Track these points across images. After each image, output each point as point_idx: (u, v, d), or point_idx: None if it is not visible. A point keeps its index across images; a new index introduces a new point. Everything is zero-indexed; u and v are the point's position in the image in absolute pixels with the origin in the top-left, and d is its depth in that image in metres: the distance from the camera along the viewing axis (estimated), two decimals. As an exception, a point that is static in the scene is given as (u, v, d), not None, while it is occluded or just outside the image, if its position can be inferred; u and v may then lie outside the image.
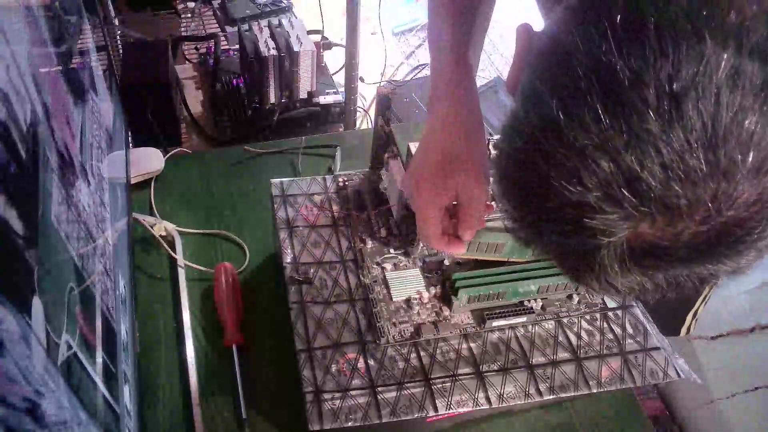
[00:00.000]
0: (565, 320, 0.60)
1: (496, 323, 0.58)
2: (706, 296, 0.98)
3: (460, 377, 0.55)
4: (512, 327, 0.59)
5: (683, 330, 1.01)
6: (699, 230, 0.27)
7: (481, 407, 0.54)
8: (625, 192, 0.26)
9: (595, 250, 0.29)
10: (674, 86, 0.25)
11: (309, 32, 1.27)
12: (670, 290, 0.31)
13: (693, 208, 0.26)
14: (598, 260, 0.30)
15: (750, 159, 0.25)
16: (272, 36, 1.18)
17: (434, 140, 0.53)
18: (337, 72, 1.43)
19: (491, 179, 0.35)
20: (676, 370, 0.58)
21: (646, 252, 0.28)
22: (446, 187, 0.51)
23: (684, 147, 0.25)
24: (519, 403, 0.55)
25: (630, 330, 0.60)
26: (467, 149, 0.52)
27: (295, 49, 1.15)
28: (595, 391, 0.56)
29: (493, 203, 0.55)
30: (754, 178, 0.25)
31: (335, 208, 0.67)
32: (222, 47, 1.36)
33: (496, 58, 2.29)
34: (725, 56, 0.24)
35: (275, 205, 0.67)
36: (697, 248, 0.27)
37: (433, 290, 0.60)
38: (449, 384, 0.55)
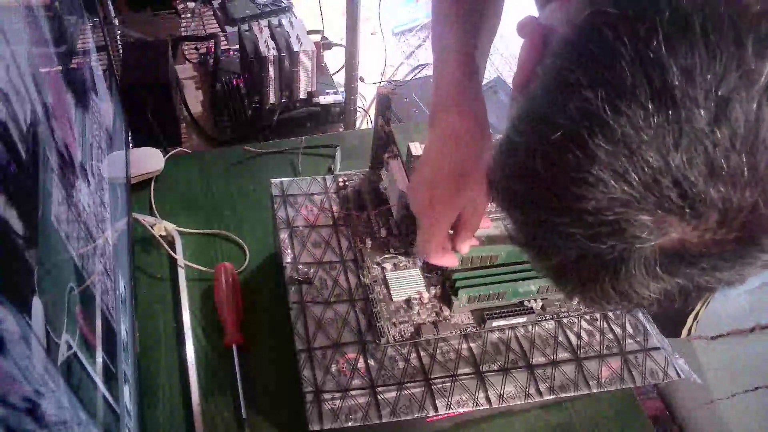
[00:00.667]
0: (565, 320, 0.60)
1: (496, 323, 0.58)
2: (707, 298, 0.98)
3: (460, 377, 0.55)
4: (512, 327, 0.59)
5: (684, 332, 1.01)
6: (735, 236, 0.26)
7: (481, 407, 0.54)
8: (672, 193, 0.25)
9: (624, 256, 0.28)
10: (722, 88, 0.24)
11: (309, 32, 1.27)
12: (680, 299, 0.30)
13: (736, 212, 0.25)
14: (625, 267, 0.28)
15: None
16: (272, 36, 1.18)
17: (443, 153, 0.52)
18: (337, 72, 1.43)
19: (495, 183, 0.34)
20: (676, 370, 0.58)
21: (678, 257, 0.27)
22: (458, 202, 0.52)
23: (729, 148, 0.24)
24: (519, 403, 0.55)
25: (630, 330, 0.60)
26: (478, 163, 0.52)
27: (295, 49, 1.15)
28: (595, 391, 0.56)
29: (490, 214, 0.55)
30: None
31: (335, 208, 0.67)
32: (222, 47, 1.36)
33: (496, 58, 2.29)
34: (767, 66, 0.24)
35: (275, 205, 0.67)
36: (725, 256, 0.27)
37: (433, 290, 0.60)
38: (449, 384, 0.55)
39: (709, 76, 0.25)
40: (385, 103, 0.63)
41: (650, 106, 0.25)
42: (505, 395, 0.55)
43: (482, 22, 0.56)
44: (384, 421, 0.52)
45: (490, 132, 0.54)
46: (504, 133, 0.33)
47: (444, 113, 0.54)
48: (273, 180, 0.69)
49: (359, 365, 0.55)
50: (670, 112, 0.25)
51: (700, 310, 1.00)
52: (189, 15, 1.50)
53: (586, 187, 0.27)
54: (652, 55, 0.25)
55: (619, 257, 0.28)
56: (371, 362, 0.55)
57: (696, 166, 0.25)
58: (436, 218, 0.53)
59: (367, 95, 1.64)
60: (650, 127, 0.25)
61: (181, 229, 0.81)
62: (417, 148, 0.63)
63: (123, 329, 0.57)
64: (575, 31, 0.30)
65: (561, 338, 0.59)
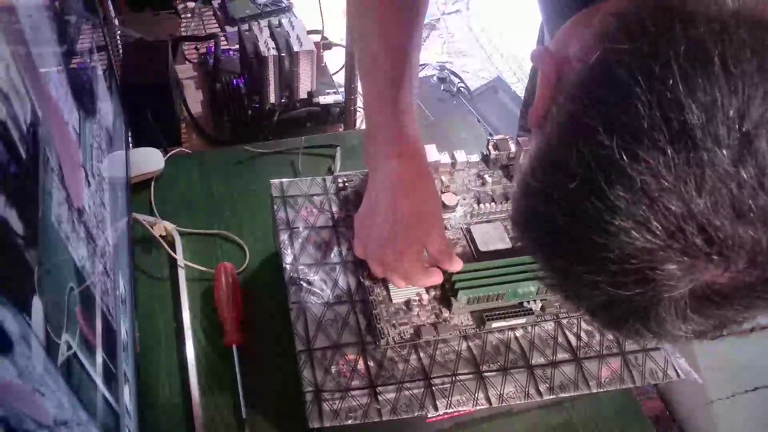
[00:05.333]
0: (564, 321, 0.60)
1: (495, 324, 0.57)
2: None
3: (459, 378, 0.55)
4: (512, 328, 0.59)
5: (684, 336, 1.01)
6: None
7: (481, 407, 0.54)
8: (698, 239, 0.24)
9: (652, 302, 0.27)
10: (745, 123, 0.23)
11: (309, 32, 1.27)
12: (715, 334, 0.30)
13: (767, 253, 0.24)
14: (655, 312, 0.27)
15: None
16: (272, 36, 1.18)
17: (395, 205, 0.53)
18: (337, 72, 1.43)
19: (518, 226, 0.33)
20: (676, 370, 0.58)
21: (708, 300, 0.26)
22: (424, 244, 0.55)
23: (756, 187, 0.23)
24: (519, 403, 0.55)
25: (630, 330, 0.60)
26: (431, 202, 0.55)
27: (295, 49, 1.15)
28: (594, 391, 0.56)
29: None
30: None
31: (335, 209, 0.67)
32: (222, 47, 1.36)
33: (496, 58, 2.29)
34: None
35: (275, 206, 0.67)
36: (759, 295, 0.26)
37: (432, 292, 0.60)
38: (449, 384, 0.55)
39: (731, 112, 0.23)
40: (385, 104, 0.63)
41: (669, 151, 0.24)
42: (504, 395, 0.55)
43: (410, 20, 0.54)
44: (384, 419, 0.52)
45: (431, 172, 0.56)
46: (522, 172, 0.32)
47: (384, 161, 0.54)
48: (273, 181, 0.69)
49: (359, 366, 0.55)
50: (690, 154, 0.24)
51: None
52: (189, 15, 1.50)
53: (607, 236, 0.26)
54: (668, 95, 0.24)
55: (648, 302, 0.27)
56: (371, 363, 0.55)
57: (721, 209, 0.24)
58: (408, 269, 0.54)
59: (367, 95, 1.63)
60: (671, 173, 0.24)
61: (181, 229, 0.81)
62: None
63: (123, 329, 0.57)
64: (588, 71, 0.29)
65: (560, 339, 0.59)
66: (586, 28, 0.35)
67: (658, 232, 0.25)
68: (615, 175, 0.25)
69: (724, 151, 0.23)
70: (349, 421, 0.51)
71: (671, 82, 0.24)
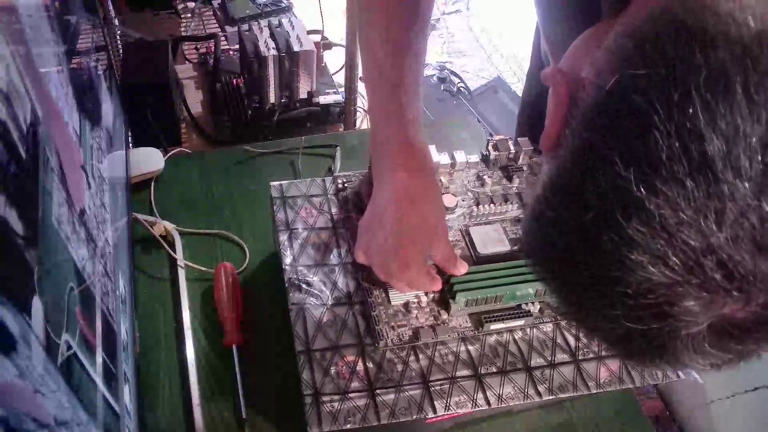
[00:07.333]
0: (563, 322, 0.60)
1: (494, 326, 0.57)
2: None
3: (458, 380, 0.55)
4: (510, 330, 0.59)
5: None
6: None
7: (481, 408, 0.54)
8: (717, 275, 0.23)
9: (671, 337, 0.26)
10: None
11: (309, 32, 1.27)
12: (734, 364, 0.29)
13: None
14: (673, 347, 0.27)
15: None
16: (272, 36, 1.18)
17: (402, 215, 0.53)
18: (337, 72, 1.44)
19: (530, 255, 0.32)
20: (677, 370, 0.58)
21: (728, 335, 0.26)
22: (428, 253, 0.55)
23: None
24: (518, 403, 0.55)
25: (629, 331, 0.60)
26: (437, 212, 0.55)
27: (295, 49, 1.15)
28: (594, 392, 0.56)
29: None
30: None
31: (335, 210, 0.67)
32: (222, 47, 1.36)
33: (496, 58, 2.29)
34: None
35: (275, 207, 0.67)
36: None
37: (431, 294, 0.60)
38: (447, 386, 0.55)
39: (753, 141, 0.22)
40: (385, 104, 0.63)
41: (689, 183, 0.23)
42: (503, 396, 0.55)
43: (415, 24, 0.53)
44: (383, 422, 0.52)
45: (437, 182, 0.56)
46: (535, 199, 0.31)
47: (390, 173, 0.54)
48: (273, 182, 0.69)
49: (358, 368, 0.55)
50: (711, 187, 0.23)
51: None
52: (189, 15, 1.50)
53: (624, 270, 0.25)
54: (688, 124, 0.23)
55: (666, 337, 0.27)
56: (370, 365, 0.55)
57: (742, 243, 0.23)
58: (413, 277, 0.54)
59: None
60: (690, 206, 0.23)
61: (181, 229, 0.81)
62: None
63: (123, 329, 0.57)
64: (605, 97, 0.28)
65: (559, 340, 0.59)
66: (597, 46, 0.33)
67: (676, 267, 0.24)
68: (632, 208, 0.24)
69: (746, 184, 0.22)
70: (348, 426, 0.51)
71: (691, 110, 0.23)
